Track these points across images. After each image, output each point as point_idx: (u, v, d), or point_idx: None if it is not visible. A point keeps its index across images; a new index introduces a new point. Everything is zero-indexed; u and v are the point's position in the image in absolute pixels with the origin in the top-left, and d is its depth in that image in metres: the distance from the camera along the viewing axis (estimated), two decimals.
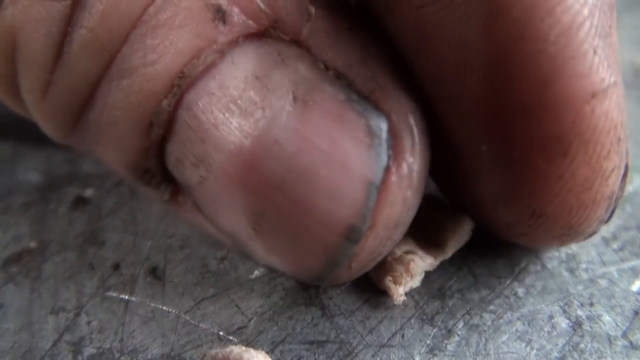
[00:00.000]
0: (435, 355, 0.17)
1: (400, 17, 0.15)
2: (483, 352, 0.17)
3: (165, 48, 0.14)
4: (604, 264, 0.19)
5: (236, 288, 0.19)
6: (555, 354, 0.17)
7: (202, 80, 0.15)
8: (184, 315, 0.18)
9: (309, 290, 0.18)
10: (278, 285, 0.19)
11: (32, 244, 0.20)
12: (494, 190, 0.16)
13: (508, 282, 0.19)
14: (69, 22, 0.14)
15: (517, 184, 0.15)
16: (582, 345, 0.17)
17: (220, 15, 0.14)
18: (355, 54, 0.15)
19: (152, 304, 0.18)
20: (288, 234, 0.15)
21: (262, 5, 0.15)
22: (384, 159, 0.14)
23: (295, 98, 0.14)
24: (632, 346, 0.17)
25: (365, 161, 0.14)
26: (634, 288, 0.19)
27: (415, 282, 0.18)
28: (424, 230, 0.19)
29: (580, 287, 0.19)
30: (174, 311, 0.18)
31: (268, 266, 0.17)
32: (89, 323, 0.18)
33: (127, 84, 0.15)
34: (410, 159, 0.15)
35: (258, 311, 0.18)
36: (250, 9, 0.15)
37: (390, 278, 0.17)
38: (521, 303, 0.18)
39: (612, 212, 0.17)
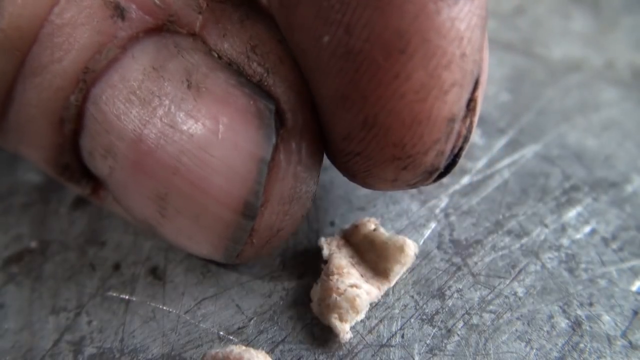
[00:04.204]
0: (435, 355, 0.17)
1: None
2: (483, 351, 0.17)
3: (70, 45, 0.16)
4: (603, 264, 0.19)
5: (236, 288, 0.19)
6: (554, 353, 0.17)
7: (106, 75, 0.16)
8: (184, 315, 0.18)
9: (309, 290, 0.18)
10: (278, 285, 0.19)
11: (33, 244, 0.20)
12: (331, 90, 0.15)
13: (508, 282, 0.19)
14: None
15: (352, 81, 0.15)
16: (581, 345, 0.17)
17: (119, 12, 0.16)
18: (247, 43, 0.16)
19: (153, 304, 0.18)
20: (189, 215, 0.16)
21: (156, 1, 0.16)
22: (272, 137, 0.15)
23: (189, 85, 0.15)
24: (632, 346, 0.17)
25: (255, 140, 0.15)
26: (634, 288, 0.19)
27: (361, 316, 0.18)
28: (366, 260, 0.19)
29: (579, 287, 0.19)
30: (174, 311, 0.18)
31: (182, 248, 0.18)
32: (89, 323, 0.18)
33: (39, 82, 0.16)
34: (298, 136, 0.16)
35: (258, 311, 0.18)
36: (146, 5, 0.16)
37: (336, 315, 0.17)
38: (521, 303, 0.18)
39: (457, 154, 0.16)
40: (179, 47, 0.16)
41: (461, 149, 0.16)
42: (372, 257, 0.19)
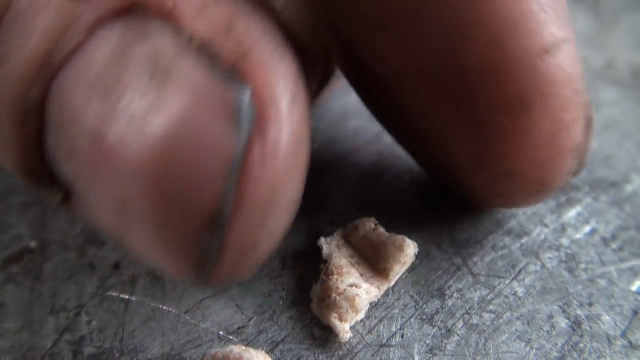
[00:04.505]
0: (435, 355, 0.17)
1: None
2: (483, 352, 0.17)
3: (30, 31, 0.14)
4: (603, 264, 0.19)
5: (236, 288, 0.19)
6: (554, 353, 0.17)
7: (67, 66, 0.14)
8: (184, 315, 0.18)
9: (309, 290, 0.18)
10: (278, 285, 0.19)
11: (33, 244, 0.20)
12: (464, 154, 0.16)
13: (508, 282, 0.19)
14: None
15: (486, 145, 0.16)
16: (581, 345, 0.17)
17: None
18: (223, 22, 0.13)
19: (153, 304, 0.18)
20: (152, 226, 0.13)
21: None
22: (244, 133, 0.13)
23: (153, 74, 0.13)
24: (632, 346, 0.17)
25: (224, 137, 0.13)
26: (634, 288, 0.19)
27: (361, 315, 0.18)
28: (366, 260, 0.19)
29: (579, 287, 0.19)
30: (174, 311, 0.18)
31: (152, 266, 0.15)
32: (89, 323, 0.18)
33: (1, 74, 0.14)
34: (276, 132, 0.13)
35: (258, 311, 0.18)
36: None
37: (336, 315, 0.17)
38: (521, 303, 0.18)
39: (582, 164, 0.17)
40: (146, 29, 0.13)
41: (586, 157, 0.17)
42: (372, 256, 0.19)
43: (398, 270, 0.18)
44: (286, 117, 0.13)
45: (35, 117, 0.14)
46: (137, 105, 0.13)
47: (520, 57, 0.14)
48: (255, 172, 0.13)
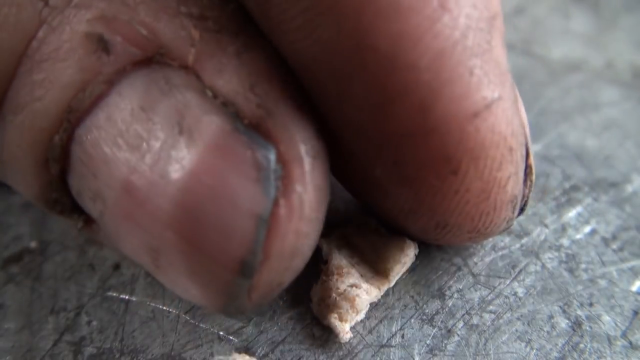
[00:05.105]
0: (435, 355, 0.17)
1: (281, 46, 0.14)
2: (483, 352, 0.17)
3: (51, 83, 0.14)
4: (603, 264, 0.19)
5: None
6: (555, 354, 0.17)
7: (91, 114, 0.14)
8: (184, 315, 0.18)
9: (309, 290, 0.18)
10: None
11: (33, 244, 0.20)
12: (398, 205, 0.16)
13: (508, 282, 0.19)
14: None
15: (416, 200, 0.16)
16: (581, 345, 0.17)
17: (103, 45, 0.14)
18: (245, 80, 0.14)
19: (152, 304, 0.18)
20: (184, 271, 0.14)
21: (144, 32, 0.14)
22: (272, 192, 0.14)
23: (181, 130, 0.14)
24: (632, 346, 0.17)
25: (253, 195, 0.14)
26: (634, 288, 0.19)
27: (361, 315, 0.18)
28: (366, 260, 0.19)
29: (579, 287, 0.19)
30: (174, 311, 0.18)
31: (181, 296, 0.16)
32: (89, 323, 0.18)
33: (20, 121, 0.14)
34: (300, 189, 0.14)
35: (258, 311, 0.18)
36: (132, 36, 0.14)
37: (336, 315, 0.17)
38: (521, 303, 0.18)
39: (522, 208, 0.17)
40: (170, 83, 0.14)
41: (527, 200, 0.17)
42: (372, 257, 0.19)
43: (398, 270, 0.18)
44: (309, 176, 0.14)
45: (59, 160, 0.15)
46: (166, 158, 0.14)
47: (447, 122, 0.14)
48: (282, 227, 0.14)
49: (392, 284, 0.19)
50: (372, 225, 0.19)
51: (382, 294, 0.18)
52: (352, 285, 0.18)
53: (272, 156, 0.14)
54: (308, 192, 0.14)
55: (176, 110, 0.14)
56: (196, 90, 0.14)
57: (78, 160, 0.15)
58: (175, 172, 0.14)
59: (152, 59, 0.14)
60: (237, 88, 0.14)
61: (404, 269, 0.19)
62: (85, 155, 0.14)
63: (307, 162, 0.14)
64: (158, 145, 0.14)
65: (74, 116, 0.14)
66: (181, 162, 0.14)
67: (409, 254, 0.18)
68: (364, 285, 0.18)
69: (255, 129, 0.14)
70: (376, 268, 0.18)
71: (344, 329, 0.17)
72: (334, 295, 0.17)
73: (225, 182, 0.14)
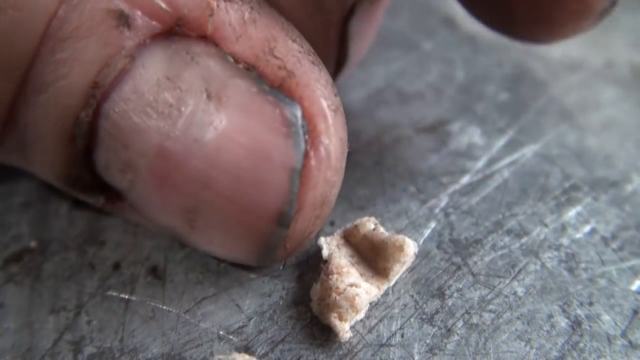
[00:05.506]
0: (434, 354, 0.17)
1: None
2: (482, 351, 0.17)
3: (74, 60, 0.14)
4: (603, 263, 0.19)
5: (236, 287, 0.19)
6: (554, 353, 0.17)
7: (116, 88, 0.15)
8: (184, 315, 0.18)
9: (309, 290, 0.18)
10: (278, 285, 0.19)
11: (33, 244, 0.20)
12: None
13: (508, 281, 0.19)
14: None
15: None
16: (581, 345, 0.17)
17: (124, 20, 0.14)
18: (263, 44, 0.15)
19: (153, 304, 0.18)
20: (222, 227, 0.15)
21: (163, 5, 0.15)
22: (302, 145, 0.15)
23: (209, 95, 0.15)
24: (632, 345, 0.17)
25: (285, 150, 0.15)
26: (634, 287, 0.19)
27: (361, 315, 0.18)
28: (366, 259, 0.19)
29: (579, 287, 0.19)
30: (174, 310, 0.18)
31: (211, 255, 0.17)
32: (89, 322, 0.18)
33: (44, 100, 0.15)
34: (327, 141, 0.15)
35: (258, 311, 0.18)
36: (152, 9, 0.15)
37: (336, 315, 0.17)
38: (521, 302, 0.18)
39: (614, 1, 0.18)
40: (191, 53, 0.15)
41: None
42: (372, 256, 0.19)
43: (398, 270, 0.18)
44: (333, 128, 0.16)
45: (85, 137, 0.15)
46: (199, 122, 0.15)
47: None
48: (313, 177, 0.15)
49: (391, 284, 0.19)
50: (372, 225, 0.19)
51: (381, 293, 0.18)
52: (351, 285, 0.18)
53: (299, 112, 0.15)
54: (333, 143, 0.16)
55: (202, 77, 0.15)
56: (218, 58, 0.15)
57: (106, 133, 0.15)
58: (209, 134, 0.14)
59: (172, 30, 0.15)
60: (257, 53, 0.15)
61: (403, 269, 0.19)
62: (115, 127, 0.15)
63: (330, 116, 0.15)
64: (189, 111, 0.15)
65: (99, 91, 0.15)
66: (213, 124, 0.14)
67: (408, 254, 0.18)
68: (364, 285, 0.18)
69: (279, 89, 0.15)
70: (376, 267, 0.18)
71: (344, 328, 0.17)
72: (333, 294, 0.17)
73: (257, 139, 0.15)
